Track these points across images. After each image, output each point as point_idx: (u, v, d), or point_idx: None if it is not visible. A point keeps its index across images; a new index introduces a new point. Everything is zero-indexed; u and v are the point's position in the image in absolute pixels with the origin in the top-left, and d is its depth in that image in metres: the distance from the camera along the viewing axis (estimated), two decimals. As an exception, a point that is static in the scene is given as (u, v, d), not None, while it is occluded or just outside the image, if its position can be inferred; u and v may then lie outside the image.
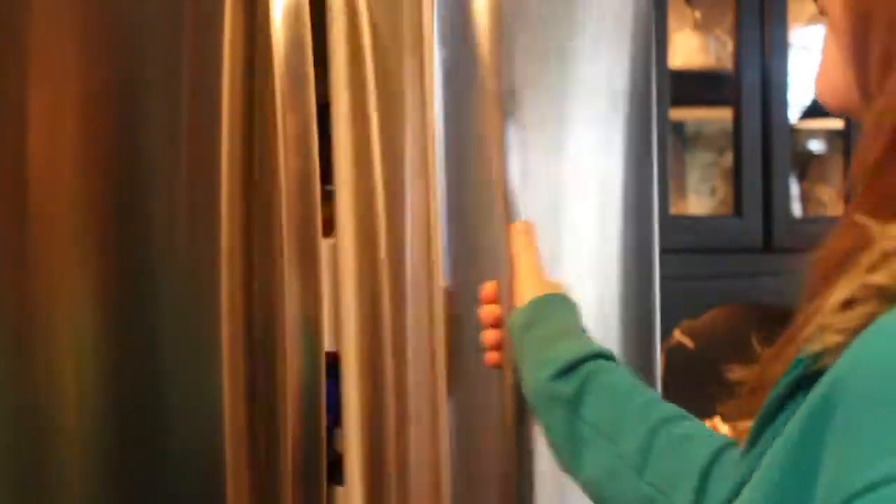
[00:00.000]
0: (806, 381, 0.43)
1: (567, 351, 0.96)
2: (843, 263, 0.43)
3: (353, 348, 1.13)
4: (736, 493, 0.49)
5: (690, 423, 0.87)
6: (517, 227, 1.13)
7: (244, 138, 1.09)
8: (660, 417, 0.88)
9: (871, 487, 0.35)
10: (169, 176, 1.07)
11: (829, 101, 0.54)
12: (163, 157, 1.07)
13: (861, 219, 0.43)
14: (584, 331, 1.03)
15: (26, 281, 1.00)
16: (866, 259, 0.42)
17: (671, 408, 0.90)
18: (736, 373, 0.55)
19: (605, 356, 0.97)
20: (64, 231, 1.01)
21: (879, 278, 0.40)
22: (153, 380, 1.06)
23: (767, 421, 0.45)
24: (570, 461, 0.93)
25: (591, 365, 0.95)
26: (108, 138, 1.04)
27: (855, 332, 0.40)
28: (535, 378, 0.97)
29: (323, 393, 1.14)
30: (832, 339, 0.41)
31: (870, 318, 0.40)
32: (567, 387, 0.93)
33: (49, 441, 1.00)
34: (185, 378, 1.07)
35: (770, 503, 0.41)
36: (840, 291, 0.41)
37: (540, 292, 1.05)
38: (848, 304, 0.41)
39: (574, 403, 0.92)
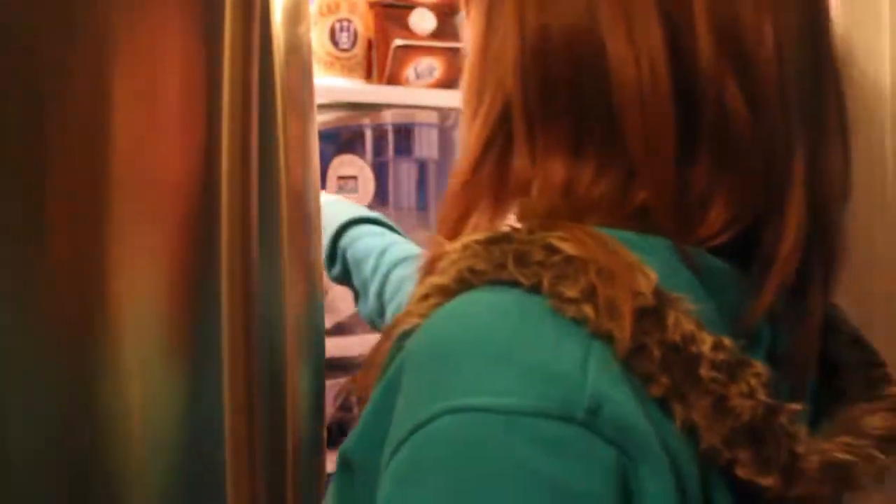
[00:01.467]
0: (400, 352, 0.56)
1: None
2: (428, 269, 0.58)
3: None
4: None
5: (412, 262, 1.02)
6: None
7: (244, 138, 1.08)
8: (390, 263, 1.14)
9: (418, 426, 0.49)
10: (129, 182, 1.06)
11: None
12: (122, 162, 1.06)
13: (436, 237, 0.59)
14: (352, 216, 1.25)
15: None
16: (439, 266, 0.56)
17: (398, 251, 1.16)
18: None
19: (354, 222, 1.23)
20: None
21: (442, 279, 0.55)
22: (153, 380, 1.05)
23: (379, 380, 0.57)
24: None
25: (341, 244, 1.22)
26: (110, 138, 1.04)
27: (426, 317, 0.54)
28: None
29: (324, 395, 1.14)
30: (412, 321, 0.55)
31: (436, 307, 0.54)
32: (335, 271, 1.22)
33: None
34: (185, 379, 1.07)
35: (364, 436, 0.55)
36: (420, 288, 0.56)
37: None
38: (424, 298, 0.55)
39: (343, 279, 1.22)
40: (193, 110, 1.07)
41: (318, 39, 1.82)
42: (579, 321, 0.51)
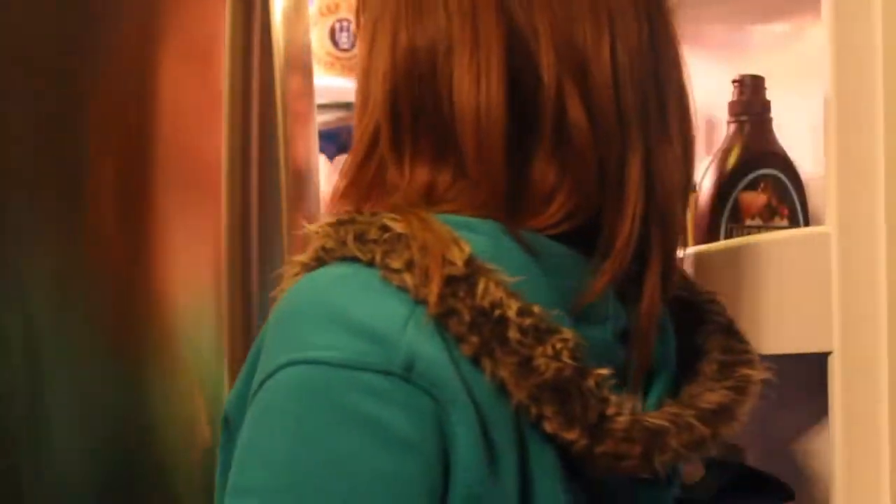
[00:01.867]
0: None
1: None
2: (301, 249, 0.66)
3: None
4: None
5: None
6: None
7: (245, 138, 1.09)
8: None
9: (267, 377, 0.58)
10: (172, 176, 1.07)
11: None
12: (166, 157, 1.07)
13: (304, 223, 0.65)
14: None
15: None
16: (308, 245, 0.64)
17: None
18: None
19: None
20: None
21: (303, 258, 0.63)
22: (153, 380, 1.06)
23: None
24: None
25: None
26: (112, 138, 1.04)
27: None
28: None
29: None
30: (281, 293, 0.63)
31: (297, 280, 0.62)
32: None
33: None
34: (185, 378, 1.07)
35: (238, 394, 0.63)
36: (289, 267, 0.64)
37: None
38: (294, 275, 0.63)
39: None
40: (220, 107, 1.08)
41: (318, 39, 1.82)
42: (403, 289, 0.59)
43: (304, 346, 0.58)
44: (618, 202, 0.65)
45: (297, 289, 0.62)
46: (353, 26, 0.79)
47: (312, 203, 1.15)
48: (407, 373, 0.57)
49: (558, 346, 0.59)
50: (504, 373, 0.58)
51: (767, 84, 0.98)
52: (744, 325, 0.72)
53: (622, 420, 0.60)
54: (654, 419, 0.62)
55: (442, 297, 0.58)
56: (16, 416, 0.96)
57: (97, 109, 1.01)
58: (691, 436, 0.63)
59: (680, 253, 0.69)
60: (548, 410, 0.59)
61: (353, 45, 1.88)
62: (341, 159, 1.85)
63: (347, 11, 1.88)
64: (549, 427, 0.59)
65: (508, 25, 0.64)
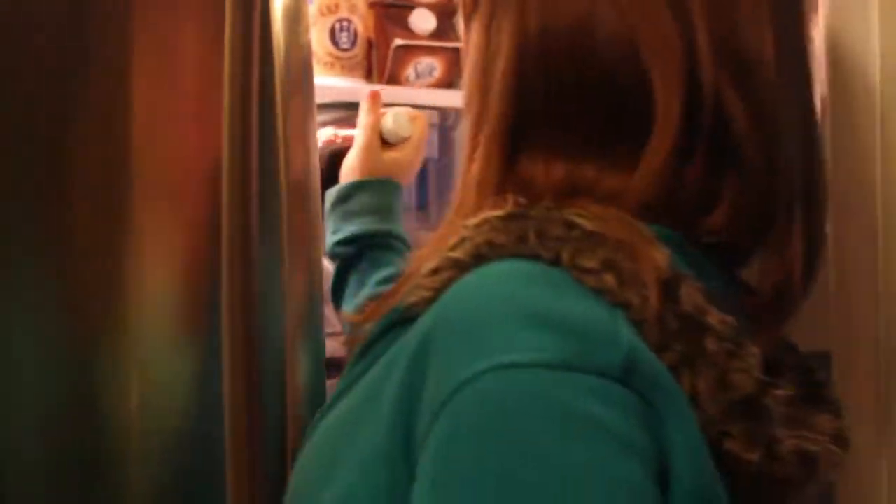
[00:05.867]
0: (399, 324, 0.58)
1: (357, 225, 1.21)
2: (437, 246, 0.59)
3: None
4: (335, 400, 0.63)
5: None
6: (368, 97, 1.29)
7: (244, 138, 1.09)
8: (377, 281, 1.16)
9: (463, 384, 0.50)
10: (147, 178, 1.06)
11: None
12: (141, 158, 1.07)
13: (450, 216, 0.60)
14: (388, 212, 1.24)
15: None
16: (450, 241, 0.57)
17: (391, 272, 1.16)
18: (347, 316, 0.61)
19: (391, 236, 1.23)
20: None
21: (456, 254, 0.56)
22: (153, 380, 1.06)
23: (367, 350, 0.58)
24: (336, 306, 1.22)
25: (369, 241, 1.21)
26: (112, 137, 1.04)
27: (439, 290, 0.55)
28: (328, 241, 1.21)
29: (324, 393, 1.14)
30: (423, 294, 0.56)
31: (450, 282, 0.55)
32: (345, 251, 1.21)
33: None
34: (185, 378, 1.07)
35: (392, 409, 0.54)
36: (430, 262, 0.57)
37: (366, 174, 1.25)
38: (435, 272, 0.56)
39: (343, 268, 1.21)
40: (209, 107, 1.08)
41: (318, 39, 1.83)
42: (599, 291, 0.53)
43: (509, 347, 0.50)
44: (788, 216, 0.60)
45: (473, 287, 0.54)
46: (460, 18, 0.73)
47: (313, 203, 1.15)
48: (627, 375, 0.51)
49: (751, 360, 0.55)
50: (702, 385, 0.54)
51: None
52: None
53: (789, 444, 0.57)
54: (810, 445, 0.58)
55: (659, 302, 0.53)
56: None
57: (88, 108, 1.01)
58: (832, 462, 0.60)
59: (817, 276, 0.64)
60: (734, 428, 0.54)
61: (353, 45, 1.88)
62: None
63: (347, 11, 1.89)
64: (732, 446, 0.55)
65: (670, 9, 0.58)
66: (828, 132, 0.79)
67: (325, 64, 1.85)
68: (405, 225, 1.93)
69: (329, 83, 1.83)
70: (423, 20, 1.89)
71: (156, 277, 1.03)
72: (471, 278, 0.54)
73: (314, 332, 1.14)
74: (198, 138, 1.06)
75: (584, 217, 0.56)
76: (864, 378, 0.78)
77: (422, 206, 1.96)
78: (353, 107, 1.94)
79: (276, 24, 1.12)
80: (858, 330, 0.79)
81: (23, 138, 0.96)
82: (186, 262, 1.06)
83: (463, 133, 0.67)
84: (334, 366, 1.15)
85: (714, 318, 0.55)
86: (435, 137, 1.95)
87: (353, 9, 1.89)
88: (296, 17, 1.15)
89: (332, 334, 1.67)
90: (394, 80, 1.90)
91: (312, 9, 1.82)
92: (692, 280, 0.56)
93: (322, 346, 1.15)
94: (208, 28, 1.07)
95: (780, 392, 0.56)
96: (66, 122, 0.99)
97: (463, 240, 0.57)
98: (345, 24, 1.88)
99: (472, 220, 0.57)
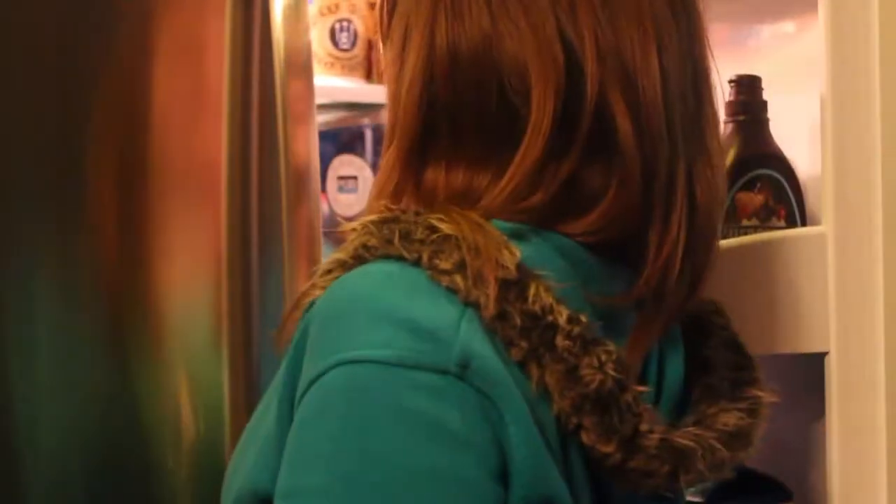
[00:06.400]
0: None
1: None
2: (337, 246, 0.64)
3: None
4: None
5: None
6: None
7: (244, 138, 1.09)
8: None
9: (316, 378, 0.56)
10: (169, 177, 1.07)
11: None
12: (162, 157, 1.07)
13: (347, 222, 0.64)
14: None
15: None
16: (344, 244, 0.63)
17: None
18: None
19: None
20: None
21: (341, 255, 0.61)
22: (154, 380, 1.06)
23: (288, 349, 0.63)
24: None
25: None
26: (112, 137, 1.04)
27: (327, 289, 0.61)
28: None
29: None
30: (317, 293, 0.61)
31: (336, 280, 0.61)
32: None
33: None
34: (185, 378, 1.08)
35: (279, 396, 0.60)
36: (325, 264, 0.62)
37: None
38: (328, 272, 0.62)
39: None
40: (221, 105, 1.08)
41: (318, 39, 1.83)
42: (452, 290, 0.58)
43: (355, 344, 0.56)
44: (664, 214, 0.64)
45: (341, 286, 0.60)
46: (382, 40, 0.75)
47: (313, 203, 1.15)
48: (462, 371, 0.55)
49: (603, 357, 0.59)
50: (550, 380, 0.58)
51: (764, 84, 0.98)
52: (740, 326, 0.72)
53: (654, 437, 0.60)
54: (682, 439, 0.62)
55: (497, 300, 0.57)
56: (11, 415, 0.96)
57: (96, 110, 1.01)
58: (713, 458, 0.63)
59: (711, 268, 0.67)
60: (587, 421, 0.58)
61: (353, 45, 1.88)
62: (342, 159, 1.86)
63: (347, 11, 1.89)
64: (586, 438, 0.59)
65: (560, 33, 0.63)
66: (828, 132, 0.79)
67: (325, 64, 1.85)
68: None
69: (329, 83, 1.83)
70: (423, 20, 1.89)
71: (186, 278, 1.03)
72: (342, 277, 0.60)
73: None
74: (217, 136, 1.07)
75: (444, 221, 0.60)
76: (863, 378, 0.78)
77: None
78: (353, 107, 1.95)
79: (276, 24, 1.12)
80: (858, 330, 0.78)
81: (35, 140, 0.97)
82: (215, 261, 1.06)
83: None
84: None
85: (562, 316, 0.58)
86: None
87: (353, 9, 1.89)
88: (296, 17, 1.15)
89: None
90: (394, 80, 1.90)
91: (312, 9, 1.82)
92: (546, 279, 0.59)
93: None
94: (221, 29, 1.07)
95: (640, 388, 0.60)
96: (82, 121, 0.99)
97: (349, 241, 0.62)
98: (345, 24, 1.88)
99: (356, 223, 0.63)
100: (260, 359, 1.07)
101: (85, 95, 1.00)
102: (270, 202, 1.11)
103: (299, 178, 1.14)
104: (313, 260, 1.14)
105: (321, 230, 1.16)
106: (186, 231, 1.04)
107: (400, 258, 0.60)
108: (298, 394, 0.58)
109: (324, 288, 0.61)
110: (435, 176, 0.65)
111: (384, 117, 2.06)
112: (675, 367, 0.68)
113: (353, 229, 0.62)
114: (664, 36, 0.65)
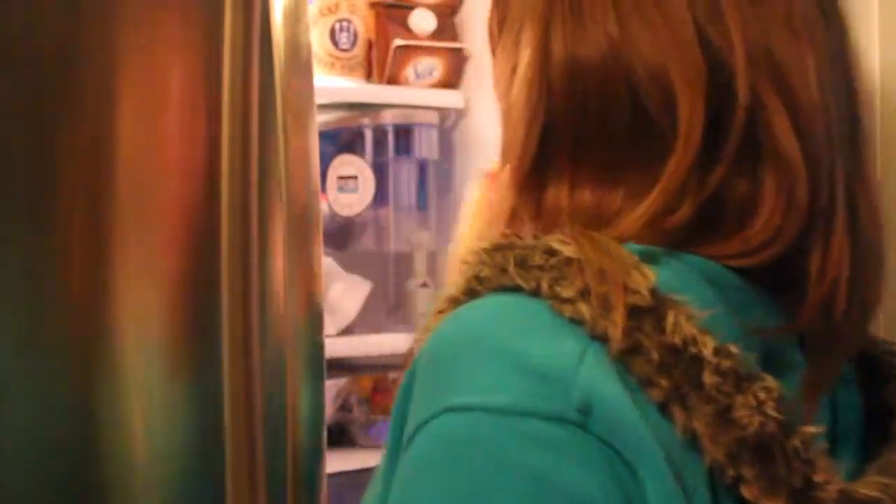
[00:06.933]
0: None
1: None
2: (450, 280, 0.59)
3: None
4: None
5: None
6: None
7: (244, 139, 1.09)
8: None
9: (421, 426, 0.50)
10: (131, 191, 1.06)
11: None
12: (162, 158, 1.07)
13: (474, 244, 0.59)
14: None
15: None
16: (456, 278, 0.57)
17: None
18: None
19: None
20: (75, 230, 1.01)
21: (452, 291, 0.56)
22: (112, 396, 1.06)
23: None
24: None
25: None
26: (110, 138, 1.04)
27: None
28: None
29: (324, 396, 1.14)
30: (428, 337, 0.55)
31: (446, 317, 0.55)
32: None
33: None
34: (185, 379, 1.07)
35: (389, 455, 0.55)
36: (437, 304, 0.57)
37: None
38: (439, 312, 0.56)
39: None
40: (196, 123, 1.08)
41: (318, 39, 1.83)
42: (577, 321, 0.51)
43: (462, 389, 0.50)
44: (825, 234, 0.57)
45: (449, 324, 0.54)
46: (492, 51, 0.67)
47: (313, 203, 1.15)
48: (583, 417, 0.48)
49: (761, 395, 0.50)
50: (698, 424, 0.50)
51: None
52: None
53: (832, 489, 0.51)
54: (865, 490, 0.53)
55: (626, 331, 0.50)
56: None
57: (73, 120, 1.01)
58: None
59: (881, 294, 0.60)
60: (748, 472, 0.50)
61: (353, 45, 1.88)
62: (342, 159, 1.86)
63: (347, 11, 1.89)
64: (748, 493, 0.50)
65: (700, 34, 0.57)
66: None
67: (325, 64, 1.85)
68: (405, 225, 1.93)
69: (329, 83, 1.83)
70: (423, 20, 1.89)
71: (144, 293, 1.02)
72: (453, 315, 0.54)
73: (314, 332, 1.14)
74: (184, 150, 1.06)
75: (565, 244, 0.53)
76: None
77: (421, 206, 1.96)
78: (353, 107, 1.95)
79: (276, 24, 1.12)
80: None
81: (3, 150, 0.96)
82: (177, 276, 1.05)
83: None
84: (334, 366, 1.15)
85: (708, 348, 0.50)
86: (435, 138, 1.94)
87: (353, 9, 1.89)
88: (296, 17, 1.15)
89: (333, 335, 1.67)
90: (394, 80, 1.90)
91: (312, 9, 1.82)
92: (686, 307, 0.52)
93: (322, 350, 1.15)
94: (197, 33, 1.07)
95: (808, 429, 0.51)
96: (49, 133, 0.98)
97: (460, 274, 0.57)
98: (345, 24, 1.88)
99: (468, 254, 0.57)
100: (260, 363, 1.07)
101: (51, 102, 1.00)
102: (271, 202, 1.11)
103: (300, 179, 1.14)
104: (312, 262, 1.14)
105: (321, 230, 1.16)
106: (147, 249, 1.03)
107: (517, 288, 0.53)
108: (403, 444, 0.52)
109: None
110: (557, 197, 0.59)
111: (384, 117, 2.06)
112: (851, 410, 0.61)
113: (465, 261, 0.56)
114: (815, 36, 0.58)
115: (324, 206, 1.73)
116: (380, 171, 1.89)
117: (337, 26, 1.87)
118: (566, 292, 0.51)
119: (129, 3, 1.03)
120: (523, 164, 0.60)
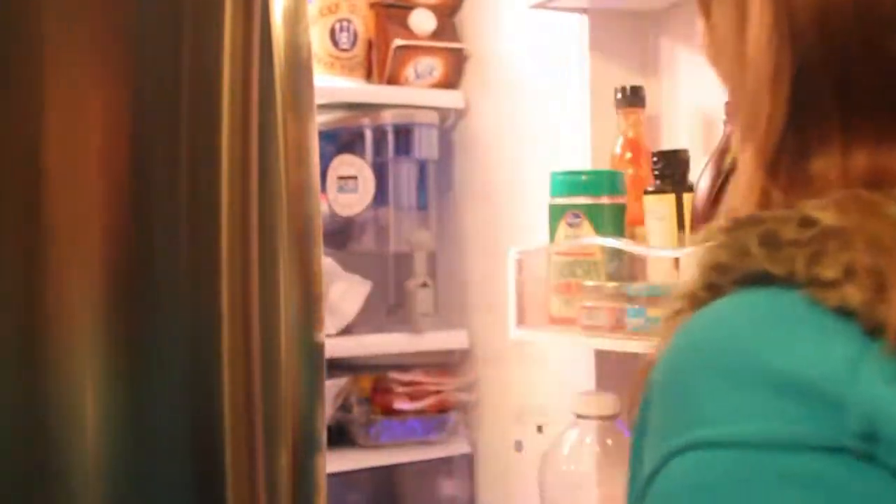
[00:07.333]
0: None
1: None
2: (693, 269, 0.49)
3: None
4: None
5: None
6: None
7: (244, 140, 1.08)
8: None
9: (658, 468, 0.42)
10: (169, 178, 1.06)
11: None
12: (163, 157, 1.07)
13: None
14: None
15: (36, 278, 1.00)
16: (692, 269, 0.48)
17: None
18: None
19: None
20: (66, 232, 1.01)
21: (689, 286, 0.47)
22: (154, 381, 1.06)
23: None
24: None
25: None
26: (109, 139, 1.04)
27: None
28: None
29: (324, 396, 1.14)
30: (658, 346, 0.47)
31: (682, 322, 0.46)
32: None
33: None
34: (185, 380, 1.07)
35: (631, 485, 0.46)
36: (672, 301, 0.48)
37: None
38: (676, 313, 0.48)
39: None
40: (117, 104, 1.07)
41: (318, 39, 1.83)
42: (846, 312, 0.40)
43: (704, 418, 0.41)
44: None
45: (684, 337, 0.45)
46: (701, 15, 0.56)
47: (313, 203, 1.15)
48: (867, 444, 0.38)
49: None
50: None
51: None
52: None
53: None
54: None
55: None
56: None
57: (79, 105, 1.01)
58: None
59: None
60: None
61: (353, 45, 1.88)
62: (342, 159, 1.86)
63: (347, 11, 1.89)
64: None
65: None
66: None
67: (325, 64, 1.85)
68: (405, 225, 1.93)
69: (329, 83, 1.83)
70: (423, 20, 1.89)
71: (74, 282, 1.02)
72: (689, 323, 0.45)
73: (314, 332, 1.14)
74: (107, 138, 1.05)
75: (825, 209, 0.43)
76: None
77: (422, 206, 1.95)
78: (353, 107, 1.95)
79: (276, 24, 1.11)
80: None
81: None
82: (106, 265, 1.05)
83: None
84: (334, 366, 1.14)
85: None
86: (435, 138, 1.94)
87: (353, 9, 1.89)
88: (296, 17, 1.14)
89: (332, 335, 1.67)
90: (394, 80, 1.90)
91: (312, 9, 1.82)
92: None
93: (322, 349, 1.14)
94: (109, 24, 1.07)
95: None
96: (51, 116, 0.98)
97: (698, 264, 0.47)
98: (345, 24, 1.88)
99: (700, 234, 0.48)
100: (260, 363, 1.07)
101: (63, 90, 1.00)
102: (270, 202, 1.11)
103: (300, 179, 1.14)
104: (311, 262, 1.14)
105: (321, 230, 1.16)
106: (89, 239, 1.03)
107: (765, 277, 0.43)
108: (639, 486, 0.44)
109: (665, 339, 0.46)
110: (825, 166, 0.48)
111: (384, 117, 2.07)
112: None
113: (705, 242, 0.47)
114: None
115: (324, 206, 1.73)
116: (380, 171, 1.89)
117: (337, 26, 1.87)
118: (828, 273, 0.41)
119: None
120: (771, 135, 0.49)
